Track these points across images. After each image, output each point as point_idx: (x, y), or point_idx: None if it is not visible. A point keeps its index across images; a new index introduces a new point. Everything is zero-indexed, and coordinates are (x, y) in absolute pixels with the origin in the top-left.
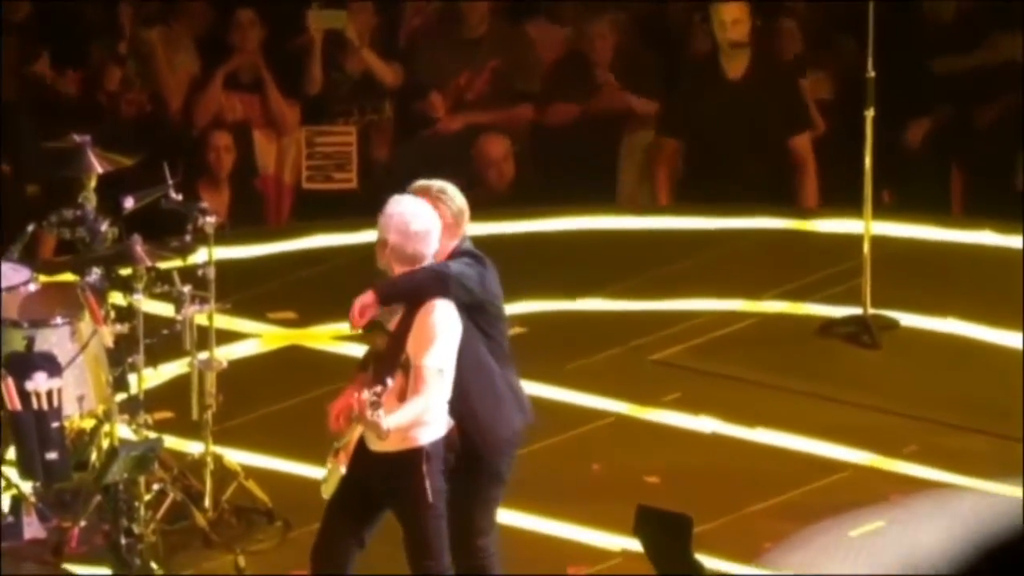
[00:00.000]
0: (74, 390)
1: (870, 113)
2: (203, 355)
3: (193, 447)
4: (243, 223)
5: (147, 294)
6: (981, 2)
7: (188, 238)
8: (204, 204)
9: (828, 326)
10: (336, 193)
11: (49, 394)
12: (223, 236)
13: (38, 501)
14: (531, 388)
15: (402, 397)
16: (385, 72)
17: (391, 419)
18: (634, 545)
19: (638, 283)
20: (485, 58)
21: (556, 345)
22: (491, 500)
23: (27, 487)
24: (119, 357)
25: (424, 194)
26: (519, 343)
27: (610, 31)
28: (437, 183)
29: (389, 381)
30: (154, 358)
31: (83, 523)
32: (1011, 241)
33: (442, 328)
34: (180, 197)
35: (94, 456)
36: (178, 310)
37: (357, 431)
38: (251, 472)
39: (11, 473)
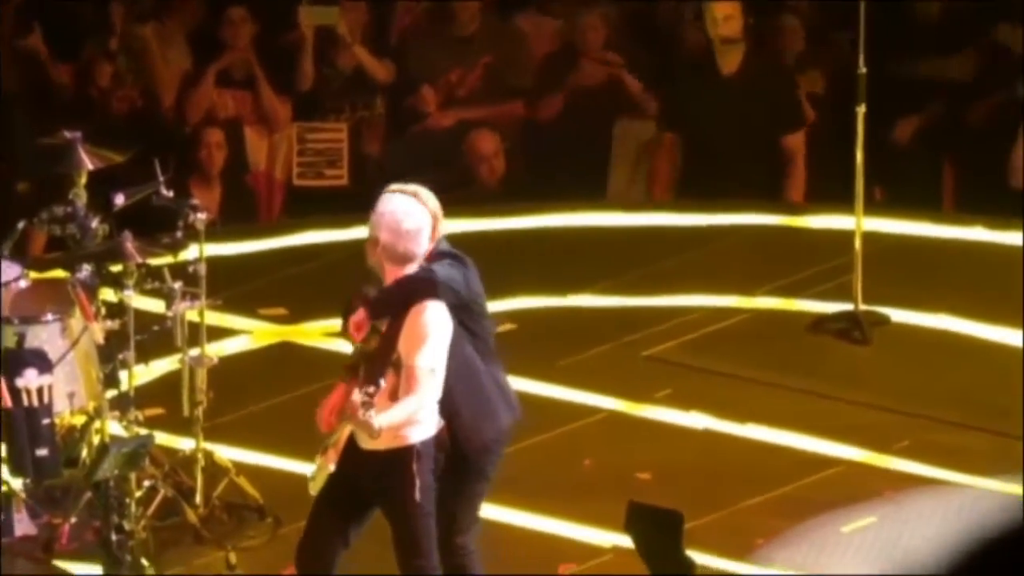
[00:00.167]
0: (65, 387)
1: (861, 109)
2: (194, 351)
3: (184, 443)
4: (234, 219)
5: (138, 290)
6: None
7: (179, 234)
8: (195, 201)
9: (819, 322)
10: (327, 189)
11: (39, 391)
12: (214, 232)
13: (28, 498)
14: (522, 385)
15: (393, 397)
16: (377, 69)
17: (383, 418)
18: (625, 542)
19: (629, 279)
20: (477, 55)
21: (547, 341)
22: (474, 497)
23: (17, 484)
24: (110, 353)
25: None
26: (509, 340)
27: (601, 24)
28: (411, 186)
29: (382, 381)
30: (145, 354)
31: (74, 520)
32: (1004, 237)
33: (433, 328)
34: (171, 194)
35: (84, 453)
36: (169, 306)
37: (347, 428)
38: (242, 468)
39: (2, 470)
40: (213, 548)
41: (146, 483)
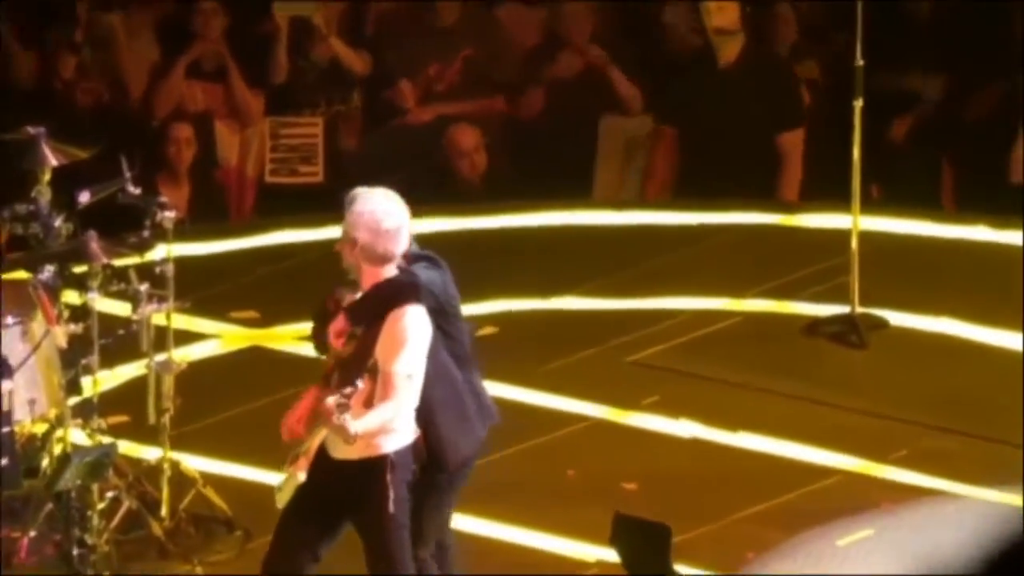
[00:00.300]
0: (25, 393)
1: (859, 103)
2: (160, 356)
3: (149, 453)
4: (203, 218)
5: (102, 292)
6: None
7: (146, 234)
8: (163, 198)
9: (814, 325)
10: (301, 187)
11: None
12: (182, 232)
13: None
14: (503, 391)
15: (368, 404)
16: (353, 61)
17: (359, 423)
18: (611, 555)
19: (615, 281)
20: (457, 47)
21: (530, 346)
22: (443, 509)
23: None
24: (73, 358)
25: None
26: (491, 344)
27: (587, 15)
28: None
29: (359, 383)
30: (109, 359)
31: (33, 532)
32: (1006, 236)
33: (412, 333)
34: (138, 191)
35: (45, 462)
36: (135, 309)
37: (318, 437)
38: (210, 479)
39: None
40: (179, 562)
41: (109, 494)
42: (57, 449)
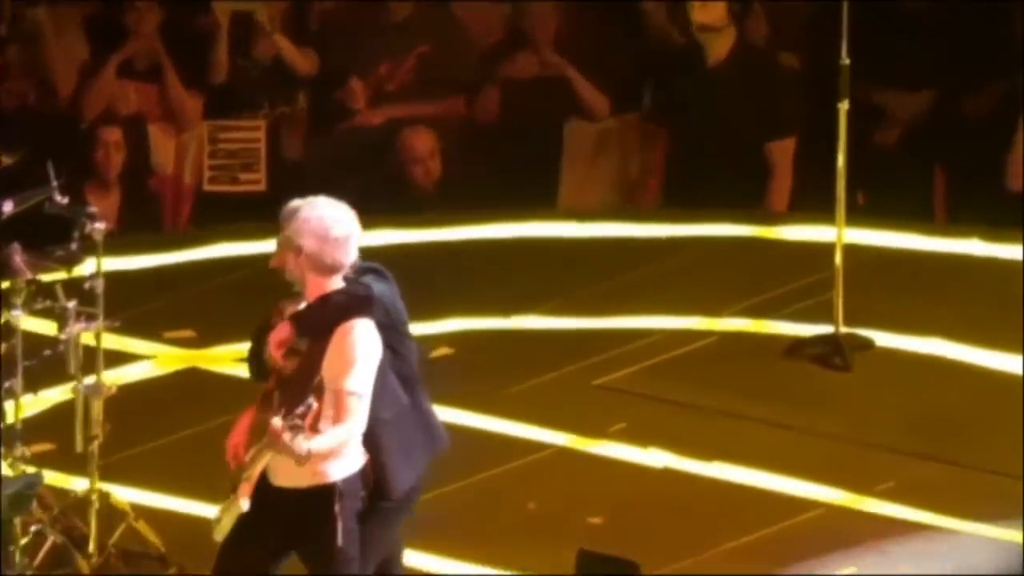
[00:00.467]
0: None
1: (844, 105)
2: (89, 379)
3: (77, 483)
4: (136, 230)
5: (27, 310)
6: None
7: (74, 247)
8: (92, 208)
9: (796, 346)
10: (242, 196)
11: None
12: (113, 244)
13: None
14: (459, 417)
15: (312, 427)
16: (298, 60)
17: (313, 443)
18: None
19: (581, 298)
20: (410, 44)
21: (488, 368)
22: (386, 541)
23: None
24: None
25: None
26: (446, 366)
27: (552, 12)
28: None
29: (312, 403)
30: (34, 382)
31: None
32: (1003, 249)
33: (363, 349)
34: (66, 200)
35: None
36: (62, 328)
37: (261, 463)
38: (142, 512)
39: None
40: None
41: (33, 528)
42: None
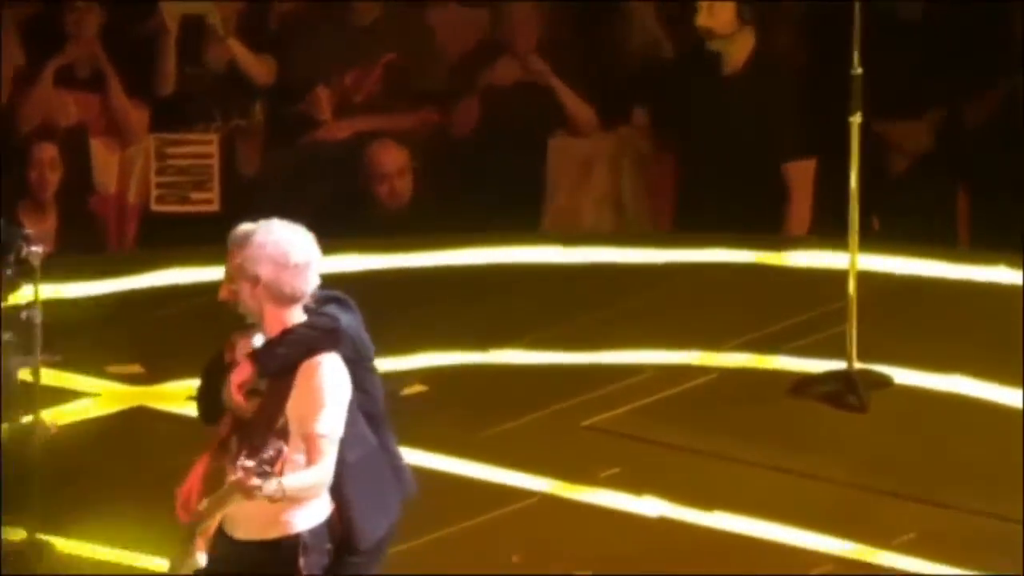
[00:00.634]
0: None
1: (856, 119)
2: (26, 419)
3: (13, 534)
4: (77, 253)
5: None
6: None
7: (9, 272)
8: (28, 230)
9: (804, 384)
10: (193, 216)
11: None
12: (52, 269)
13: None
14: (434, 461)
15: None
16: (255, 67)
17: (287, 481)
18: None
19: (567, 330)
20: (377, 51)
21: (465, 408)
22: None
23: None
24: None
25: None
26: (418, 405)
27: (534, 17)
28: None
29: (283, 447)
30: None
31: None
32: None
33: (332, 387)
34: None
35: None
36: None
37: (220, 514)
38: (86, 565)
39: None
40: None
41: None
42: None
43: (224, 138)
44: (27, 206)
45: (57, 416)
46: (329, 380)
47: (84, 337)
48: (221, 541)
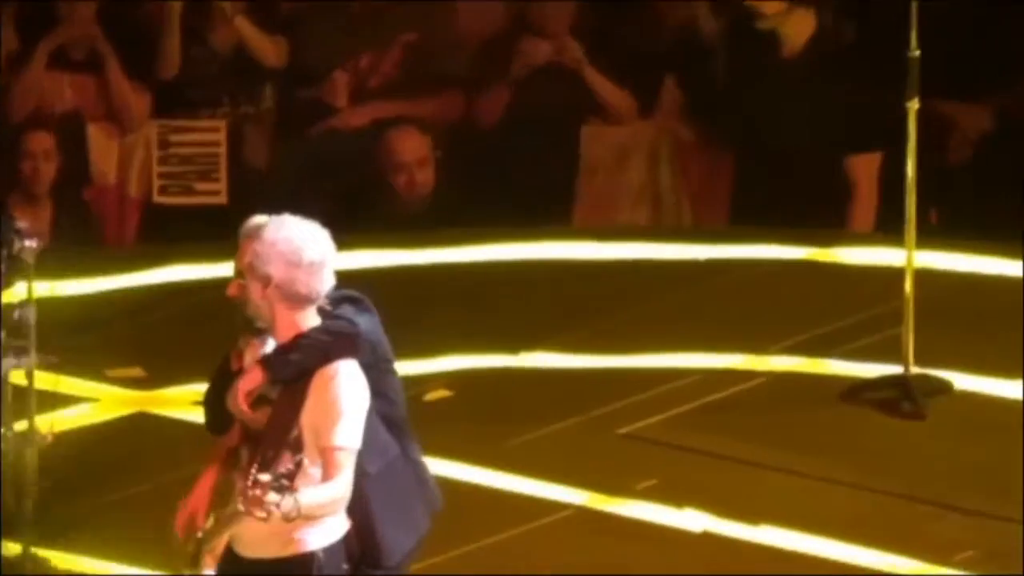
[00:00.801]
0: None
1: (914, 105)
2: (20, 425)
3: (7, 548)
4: (73, 249)
5: None
6: None
7: (1, 268)
8: (21, 223)
9: (857, 389)
10: (198, 209)
11: None
12: (47, 266)
13: None
14: (459, 471)
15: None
16: (265, 49)
17: (303, 498)
18: None
19: (602, 331)
20: (395, 31)
21: (494, 414)
22: None
23: None
24: None
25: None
26: (444, 411)
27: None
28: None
29: (304, 460)
30: None
31: None
32: None
33: (348, 397)
34: None
35: None
36: None
37: (229, 530)
38: None
39: None
40: None
41: None
42: None
43: (232, 125)
44: (20, 198)
45: (53, 422)
46: (346, 389)
47: (82, 338)
48: (229, 559)
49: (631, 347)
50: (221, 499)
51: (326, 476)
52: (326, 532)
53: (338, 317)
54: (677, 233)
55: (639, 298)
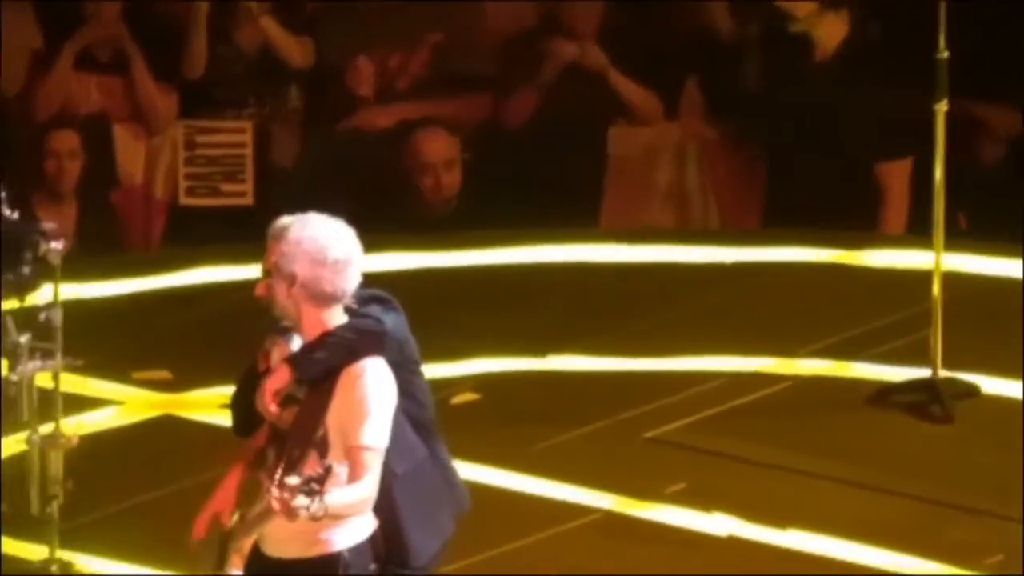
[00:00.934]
0: None
1: (942, 107)
2: (46, 428)
3: (33, 551)
4: (97, 250)
5: None
6: None
7: (26, 271)
8: (48, 225)
9: (885, 393)
10: (225, 210)
11: None
12: (73, 268)
13: None
14: (486, 475)
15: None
16: (291, 48)
17: (331, 499)
18: None
19: (628, 335)
20: (422, 30)
21: (521, 418)
22: None
23: None
24: None
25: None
26: (470, 415)
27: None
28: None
29: (334, 464)
30: None
31: None
32: None
33: (377, 395)
34: (15, 215)
35: None
36: (13, 367)
37: (256, 531)
38: None
39: None
40: None
41: None
42: None
43: (258, 125)
44: (44, 199)
45: (79, 425)
46: (374, 387)
47: (107, 340)
48: (256, 559)
49: (658, 350)
50: (247, 499)
51: (353, 476)
52: (352, 532)
53: (365, 316)
54: (705, 235)
55: (666, 301)
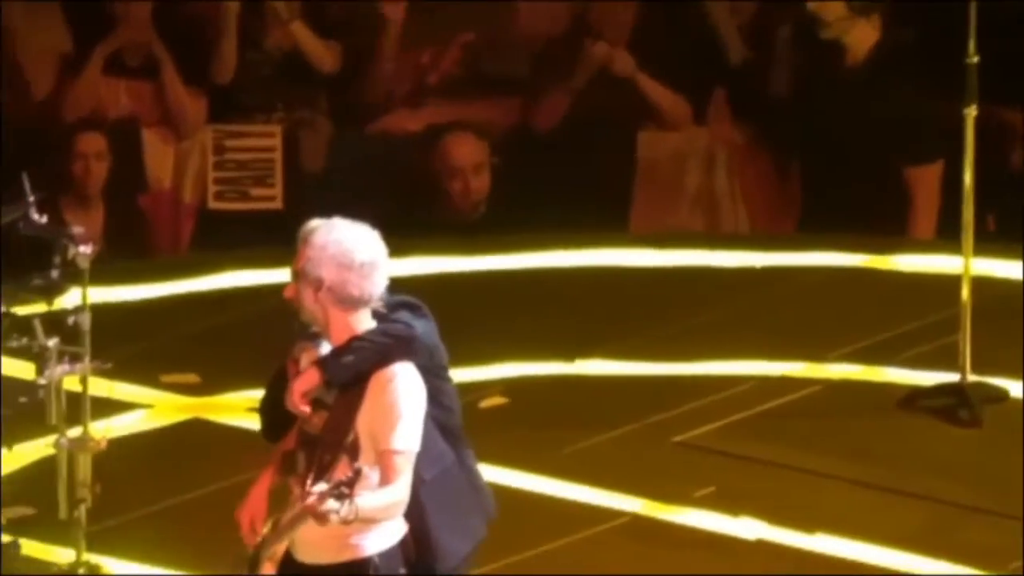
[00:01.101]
0: None
1: (972, 111)
2: (74, 431)
3: (61, 554)
4: (126, 254)
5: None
6: None
7: (55, 274)
8: (77, 228)
9: (914, 397)
10: (254, 214)
11: None
12: (102, 272)
13: None
14: (514, 478)
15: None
16: (320, 53)
17: (362, 502)
18: None
19: (657, 338)
20: (452, 31)
21: (549, 421)
22: None
23: None
24: None
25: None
26: (499, 419)
27: (629, 7)
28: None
29: (364, 468)
30: (9, 435)
31: None
32: None
33: (406, 400)
34: (44, 219)
35: None
36: (41, 371)
37: (288, 537)
38: None
39: None
40: None
41: None
42: None
43: (287, 130)
44: (71, 202)
45: (107, 429)
46: (404, 392)
47: (136, 344)
48: (287, 564)
49: (687, 354)
50: (277, 504)
51: (384, 480)
52: (382, 536)
53: (395, 321)
54: (734, 240)
55: (695, 305)
